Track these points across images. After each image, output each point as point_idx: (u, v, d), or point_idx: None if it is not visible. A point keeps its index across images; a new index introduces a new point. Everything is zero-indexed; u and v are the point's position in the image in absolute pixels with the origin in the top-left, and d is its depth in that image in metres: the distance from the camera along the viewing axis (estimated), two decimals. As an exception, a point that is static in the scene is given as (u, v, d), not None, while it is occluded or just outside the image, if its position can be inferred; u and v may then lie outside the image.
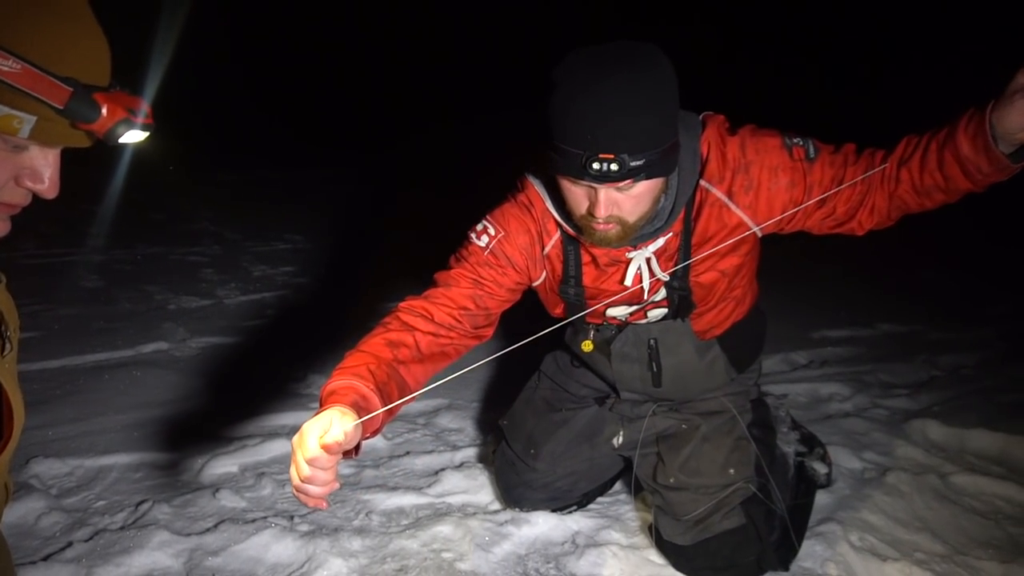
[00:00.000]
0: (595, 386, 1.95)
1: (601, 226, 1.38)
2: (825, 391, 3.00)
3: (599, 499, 2.07)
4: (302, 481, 1.07)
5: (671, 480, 1.75)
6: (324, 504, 1.10)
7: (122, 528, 1.83)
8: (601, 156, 1.24)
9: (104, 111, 0.82)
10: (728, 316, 1.72)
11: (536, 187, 1.55)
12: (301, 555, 1.77)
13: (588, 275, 1.60)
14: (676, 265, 1.54)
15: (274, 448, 2.29)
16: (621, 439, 1.88)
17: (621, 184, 1.30)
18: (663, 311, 1.66)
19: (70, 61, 0.79)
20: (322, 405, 1.20)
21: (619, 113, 1.24)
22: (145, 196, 5.87)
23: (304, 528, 1.87)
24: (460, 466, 2.24)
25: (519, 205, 1.57)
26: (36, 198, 0.86)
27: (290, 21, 10.52)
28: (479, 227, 1.58)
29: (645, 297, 1.60)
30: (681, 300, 1.61)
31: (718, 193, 1.49)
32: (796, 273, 4.48)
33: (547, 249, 1.59)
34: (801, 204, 1.47)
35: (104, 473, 2.11)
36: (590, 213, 1.37)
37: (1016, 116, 1.20)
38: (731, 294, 1.67)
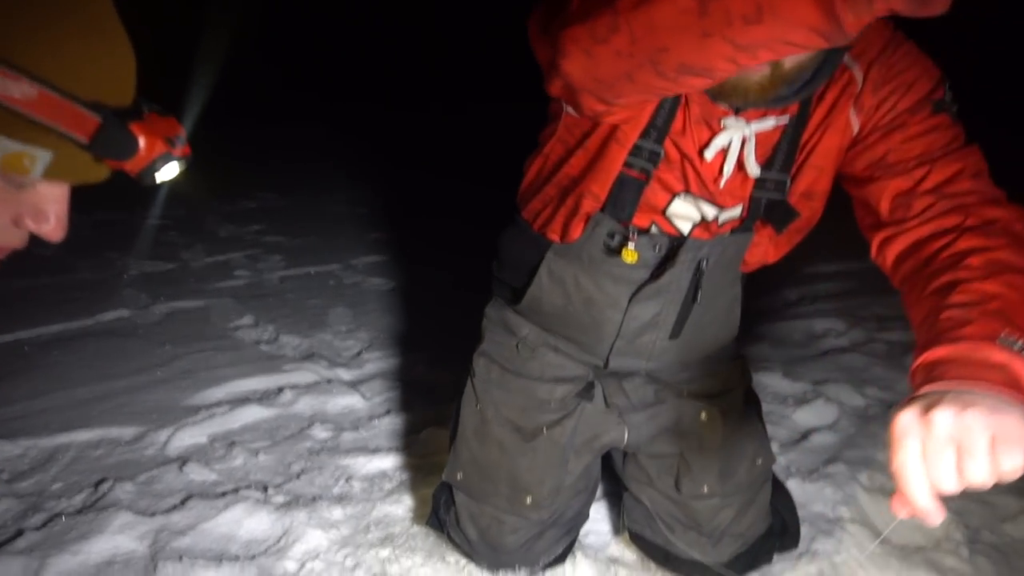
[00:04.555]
0: (569, 374, 1.42)
1: None
2: (820, 327, 2.90)
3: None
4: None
5: (704, 489, 1.41)
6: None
7: (80, 511, 1.69)
8: None
9: (141, 144, 0.64)
10: (776, 253, 1.33)
11: None
12: (277, 529, 1.64)
13: (676, 127, 1.14)
14: (769, 161, 1.14)
15: (245, 415, 2.14)
16: (627, 437, 1.44)
17: None
18: (735, 214, 1.23)
19: (93, 80, 0.61)
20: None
21: None
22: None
23: (280, 500, 1.74)
24: (444, 423, 2.10)
25: None
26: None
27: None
28: None
29: (720, 186, 1.18)
30: (776, 207, 1.19)
31: (856, 72, 1.10)
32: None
33: None
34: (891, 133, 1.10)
35: (60, 453, 1.95)
36: None
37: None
38: (803, 226, 1.28)
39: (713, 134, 1.13)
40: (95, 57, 0.62)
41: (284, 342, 2.73)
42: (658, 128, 1.13)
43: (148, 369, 2.45)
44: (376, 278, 3.50)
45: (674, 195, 1.20)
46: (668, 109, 1.12)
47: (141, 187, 0.72)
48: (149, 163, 0.65)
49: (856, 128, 1.12)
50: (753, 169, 1.14)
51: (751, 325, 2.87)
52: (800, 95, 1.08)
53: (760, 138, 1.13)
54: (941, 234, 1.02)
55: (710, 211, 1.21)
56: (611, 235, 1.24)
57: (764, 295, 3.25)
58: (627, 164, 1.16)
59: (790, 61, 0.98)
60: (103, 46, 0.63)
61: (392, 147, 6.50)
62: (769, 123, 1.11)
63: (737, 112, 1.11)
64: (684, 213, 1.23)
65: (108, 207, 4.71)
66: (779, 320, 2.94)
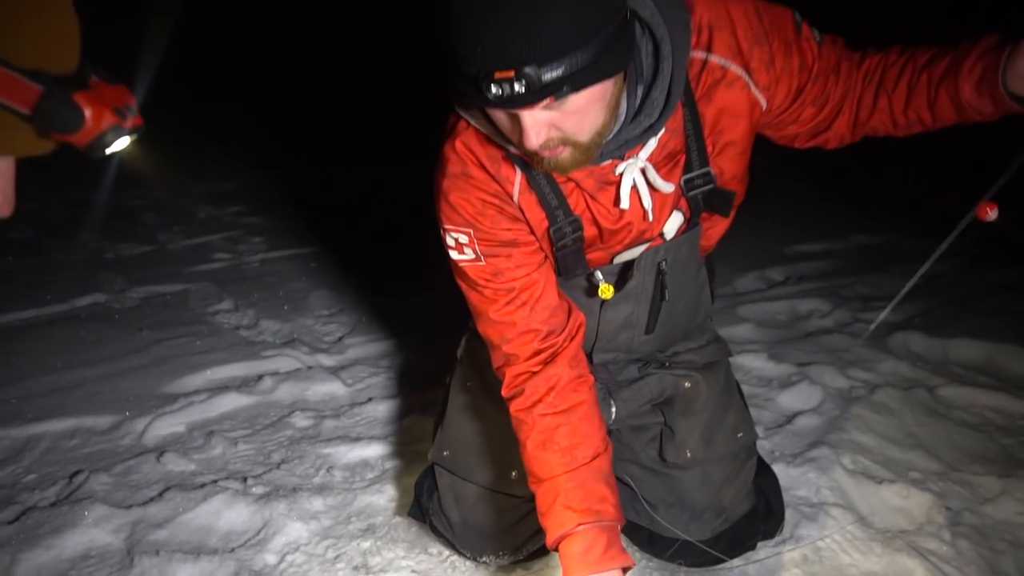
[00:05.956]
0: None
1: (546, 153, 1.03)
2: (804, 308, 2.90)
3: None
4: None
5: (688, 454, 1.44)
6: None
7: (54, 504, 1.65)
8: (497, 76, 0.89)
9: (88, 116, 0.59)
10: (724, 231, 1.41)
11: (472, 121, 1.15)
12: (256, 520, 1.61)
13: (577, 204, 1.22)
14: (686, 164, 1.20)
15: (224, 403, 2.11)
16: (614, 413, 1.46)
17: (542, 104, 0.94)
18: (679, 221, 1.29)
19: (32, 45, 0.56)
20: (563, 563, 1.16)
21: (511, 11, 0.86)
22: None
23: (259, 490, 1.71)
24: (428, 409, 2.08)
25: (454, 177, 1.19)
26: None
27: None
28: (449, 242, 1.22)
29: (650, 218, 1.24)
30: (713, 196, 1.24)
31: (736, 69, 1.14)
32: (761, 187, 4.33)
33: (516, 198, 1.20)
34: (802, 92, 1.19)
35: (34, 443, 1.91)
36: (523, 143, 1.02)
37: None
38: (742, 199, 1.35)
39: (616, 185, 1.18)
40: (33, 19, 0.56)
41: (264, 327, 2.69)
42: (559, 207, 1.20)
43: (124, 356, 2.40)
44: (359, 260, 3.45)
45: (612, 256, 1.30)
46: (553, 195, 1.19)
47: (91, 160, 0.67)
48: (97, 136, 0.60)
49: (764, 103, 1.18)
50: (665, 186, 1.19)
51: (734, 307, 2.86)
52: (651, 132, 1.11)
53: (659, 159, 1.17)
54: (884, 86, 1.16)
55: (645, 247, 1.29)
56: (578, 281, 1.33)
57: (747, 276, 3.24)
58: (558, 248, 1.24)
59: (585, 134, 1.01)
60: (40, 5, 0.57)
61: (388, 133, 6.40)
62: (652, 145, 1.16)
63: (621, 158, 1.16)
64: (628, 257, 1.31)
65: (82, 187, 4.61)
66: (763, 301, 2.93)
